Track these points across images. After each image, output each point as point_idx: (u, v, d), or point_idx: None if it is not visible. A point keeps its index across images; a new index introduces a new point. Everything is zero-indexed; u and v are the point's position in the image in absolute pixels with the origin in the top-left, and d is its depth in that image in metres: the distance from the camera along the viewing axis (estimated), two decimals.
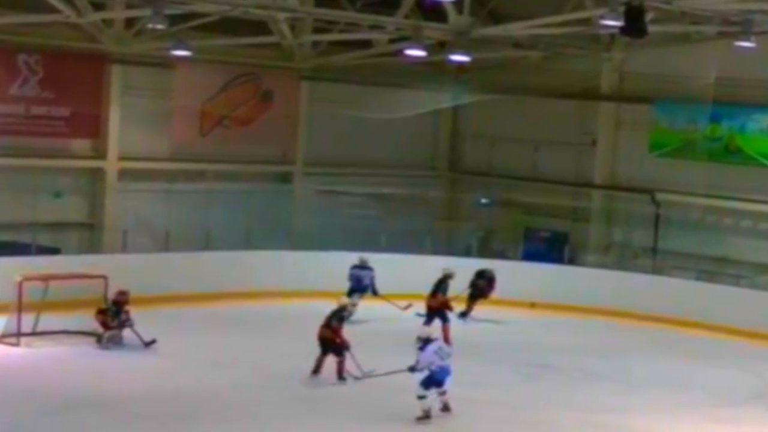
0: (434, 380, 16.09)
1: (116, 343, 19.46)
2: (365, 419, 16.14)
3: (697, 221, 26.20)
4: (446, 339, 20.27)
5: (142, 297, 20.46)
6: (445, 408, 16.24)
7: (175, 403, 16.26)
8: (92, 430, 15.12)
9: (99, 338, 19.43)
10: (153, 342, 19.39)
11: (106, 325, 19.46)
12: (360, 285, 22.61)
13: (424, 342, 16.30)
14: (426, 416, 15.95)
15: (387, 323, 21.81)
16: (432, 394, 16.03)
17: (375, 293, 22.62)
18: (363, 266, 22.90)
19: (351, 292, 22.04)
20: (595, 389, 18.72)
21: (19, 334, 19.27)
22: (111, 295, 19.73)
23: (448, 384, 16.15)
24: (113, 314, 19.46)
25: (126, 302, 19.56)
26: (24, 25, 23.56)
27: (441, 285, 21.81)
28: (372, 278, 22.66)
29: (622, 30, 20.03)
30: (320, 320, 19.70)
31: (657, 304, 23.87)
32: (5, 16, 22.90)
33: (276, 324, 21.97)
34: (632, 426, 16.63)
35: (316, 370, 18.09)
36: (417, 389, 15.94)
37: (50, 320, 19.60)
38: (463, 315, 23.08)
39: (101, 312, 19.51)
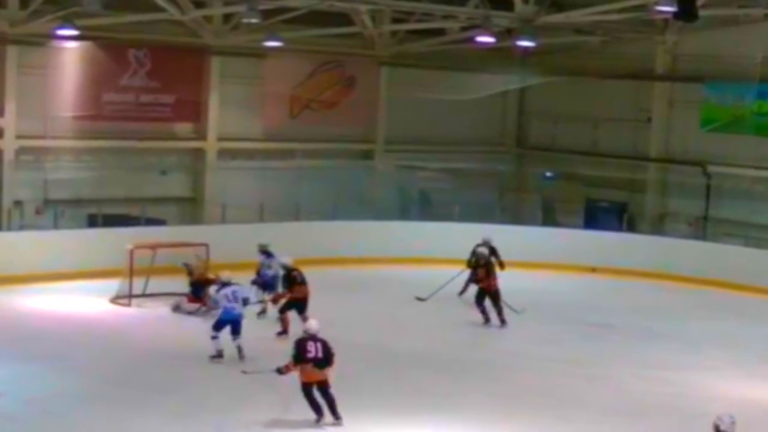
0: (221, 322, 15.67)
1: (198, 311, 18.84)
2: (426, 367, 15.83)
3: (745, 191, 25.47)
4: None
5: (239, 263, 20.24)
6: (240, 354, 15.64)
7: (268, 358, 15.94)
8: (197, 380, 15.05)
9: (177, 306, 18.99)
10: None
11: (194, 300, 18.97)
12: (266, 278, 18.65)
13: (222, 285, 15.96)
14: (219, 355, 15.61)
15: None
16: (223, 336, 15.62)
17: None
18: (267, 252, 19.01)
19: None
20: (652, 347, 18.18)
21: (130, 296, 19.37)
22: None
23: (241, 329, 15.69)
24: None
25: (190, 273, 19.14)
26: (133, 23, 23.61)
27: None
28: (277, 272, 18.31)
29: (675, 15, 19.53)
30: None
31: (708, 269, 23.16)
32: (116, 16, 22.96)
33: (359, 287, 21.76)
34: (688, 381, 16.12)
35: (286, 330, 17.06)
36: (210, 330, 15.73)
37: (158, 284, 19.63)
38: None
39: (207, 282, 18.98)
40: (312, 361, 12.98)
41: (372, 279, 22.43)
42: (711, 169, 26.02)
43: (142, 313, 18.98)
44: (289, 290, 17.38)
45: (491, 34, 23.53)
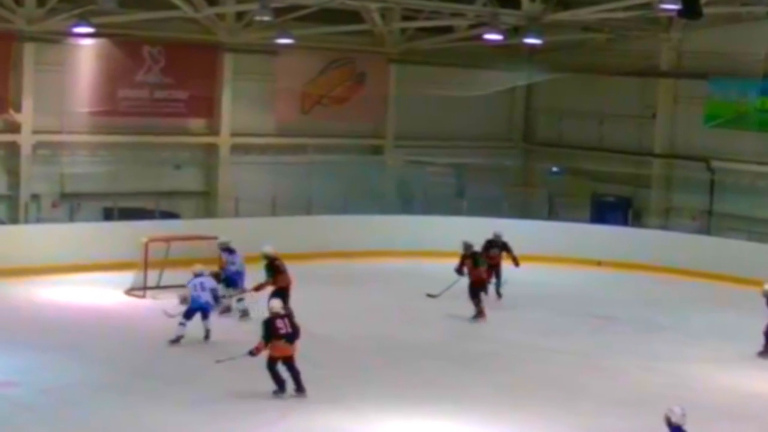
0: (191, 310, 16.21)
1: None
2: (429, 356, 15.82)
3: (748, 186, 25.36)
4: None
5: (251, 256, 20.28)
6: (206, 335, 16.34)
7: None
8: (209, 370, 14.97)
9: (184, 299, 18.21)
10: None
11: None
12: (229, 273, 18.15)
13: (194, 276, 16.31)
14: (177, 340, 16.08)
15: None
16: (191, 323, 16.13)
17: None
18: (229, 249, 18.49)
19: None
20: (657, 339, 18.16)
21: (145, 288, 19.43)
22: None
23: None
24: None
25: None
26: (148, 20, 23.62)
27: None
28: (241, 268, 18.15)
29: (680, 13, 19.49)
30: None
31: (712, 262, 23.07)
32: (131, 13, 22.97)
33: (369, 280, 21.76)
34: (690, 373, 16.10)
35: None
36: (179, 317, 16.22)
37: (171, 276, 19.56)
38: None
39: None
40: (284, 337, 13.64)
41: (381, 272, 22.43)
42: (715, 164, 25.91)
43: (157, 305, 18.88)
44: (273, 279, 17.32)
45: (499, 32, 23.47)
